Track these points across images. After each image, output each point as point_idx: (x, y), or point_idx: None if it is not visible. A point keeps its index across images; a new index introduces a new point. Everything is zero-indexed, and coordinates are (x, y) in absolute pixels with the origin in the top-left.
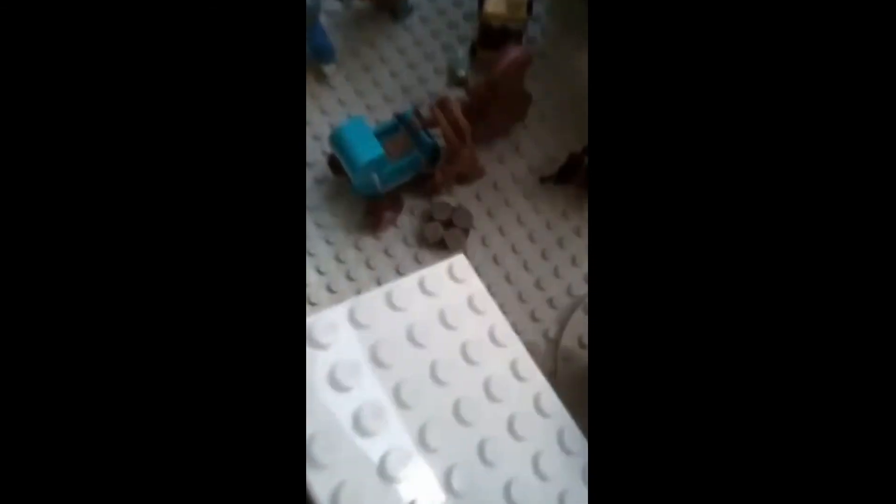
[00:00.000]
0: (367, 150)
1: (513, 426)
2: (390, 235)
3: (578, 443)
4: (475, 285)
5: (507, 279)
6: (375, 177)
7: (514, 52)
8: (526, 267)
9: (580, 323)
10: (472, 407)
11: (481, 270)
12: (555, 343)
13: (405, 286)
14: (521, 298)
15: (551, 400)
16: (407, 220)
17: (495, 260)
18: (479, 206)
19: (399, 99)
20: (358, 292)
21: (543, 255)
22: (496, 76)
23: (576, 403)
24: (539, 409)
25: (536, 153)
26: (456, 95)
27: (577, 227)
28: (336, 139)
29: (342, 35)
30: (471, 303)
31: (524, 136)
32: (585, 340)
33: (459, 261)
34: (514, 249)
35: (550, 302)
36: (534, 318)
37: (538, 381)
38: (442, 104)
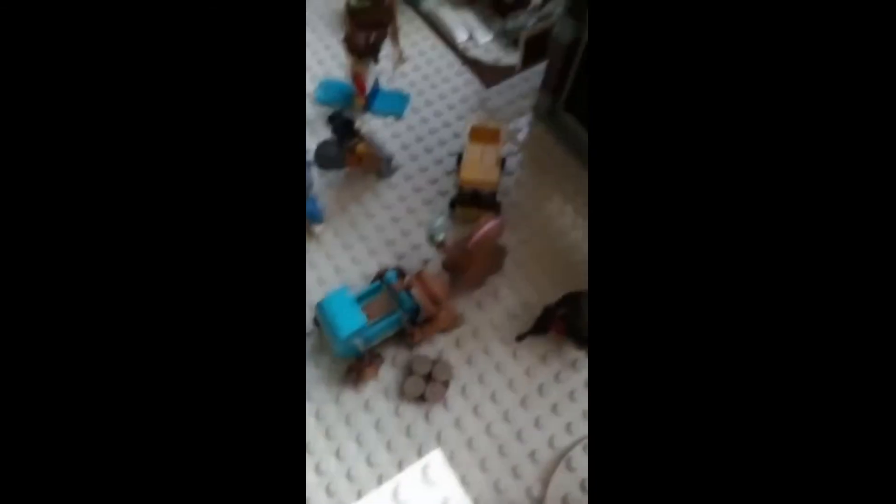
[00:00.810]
0: (350, 322)
1: None
2: (370, 388)
3: None
4: (450, 488)
5: (488, 432)
6: (359, 342)
7: (487, 226)
8: (506, 418)
9: (565, 481)
10: None
11: (461, 423)
12: None
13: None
14: (501, 452)
15: None
16: (387, 371)
17: (475, 412)
18: (458, 354)
19: (383, 251)
20: (336, 452)
21: (523, 404)
22: (470, 247)
23: None
24: None
25: (514, 299)
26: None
27: (557, 373)
28: (319, 311)
29: (332, 194)
30: None
31: (501, 283)
32: (570, 500)
33: (435, 458)
34: (493, 399)
35: (532, 456)
36: (515, 475)
37: None
38: (420, 277)
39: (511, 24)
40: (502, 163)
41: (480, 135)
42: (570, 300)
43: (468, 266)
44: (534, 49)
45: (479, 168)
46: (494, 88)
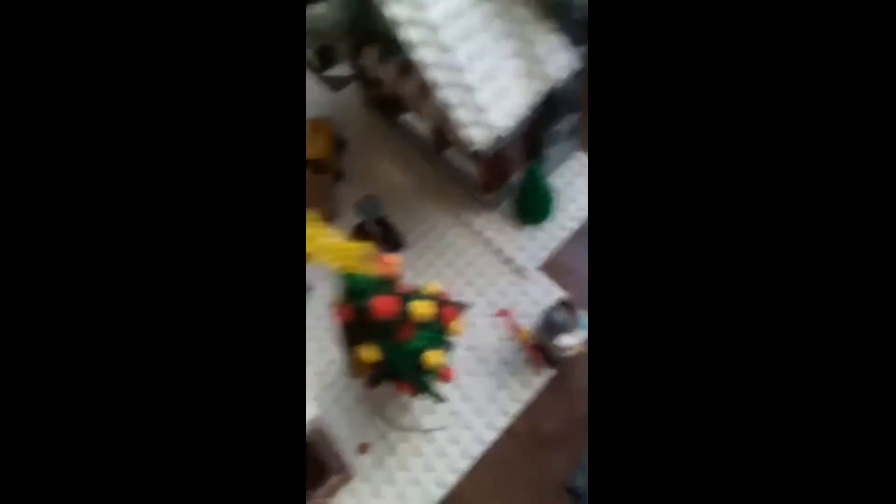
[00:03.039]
0: None
1: None
2: None
3: None
4: None
5: None
6: None
7: None
8: None
9: None
10: None
11: None
12: None
13: None
14: None
15: None
16: None
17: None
18: (314, 272)
19: None
20: None
21: None
22: None
23: None
24: None
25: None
26: None
27: None
28: None
29: None
30: None
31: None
32: None
33: None
34: None
35: None
36: None
37: None
38: None
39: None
40: (342, 143)
41: (314, 126)
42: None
43: None
44: (326, 57)
45: (310, 148)
46: (341, 92)
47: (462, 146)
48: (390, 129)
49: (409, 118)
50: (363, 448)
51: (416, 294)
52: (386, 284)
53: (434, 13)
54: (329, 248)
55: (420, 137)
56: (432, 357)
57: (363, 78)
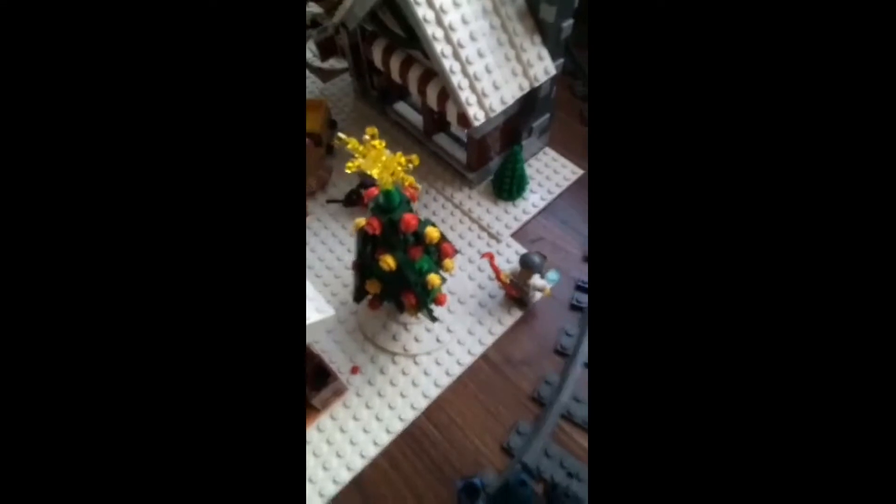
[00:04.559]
0: None
1: None
2: None
3: None
4: None
5: (328, 269)
6: None
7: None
8: (339, 259)
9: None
10: None
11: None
12: None
13: None
14: (335, 276)
15: None
16: None
17: (320, 259)
18: (308, 230)
19: None
20: None
21: (350, 251)
22: None
23: None
24: None
25: (342, 189)
26: None
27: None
28: None
29: None
30: None
31: (333, 182)
32: None
33: None
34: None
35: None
36: (344, 286)
37: None
38: None
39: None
40: (334, 123)
41: (310, 105)
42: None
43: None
44: (326, 50)
45: (311, 122)
46: (331, 82)
47: (463, 123)
48: (379, 116)
49: (399, 107)
50: (354, 370)
51: (428, 222)
52: (409, 204)
53: (452, 17)
54: (385, 163)
55: (410, 123)
56: (435, 279)
57: (361, 69)
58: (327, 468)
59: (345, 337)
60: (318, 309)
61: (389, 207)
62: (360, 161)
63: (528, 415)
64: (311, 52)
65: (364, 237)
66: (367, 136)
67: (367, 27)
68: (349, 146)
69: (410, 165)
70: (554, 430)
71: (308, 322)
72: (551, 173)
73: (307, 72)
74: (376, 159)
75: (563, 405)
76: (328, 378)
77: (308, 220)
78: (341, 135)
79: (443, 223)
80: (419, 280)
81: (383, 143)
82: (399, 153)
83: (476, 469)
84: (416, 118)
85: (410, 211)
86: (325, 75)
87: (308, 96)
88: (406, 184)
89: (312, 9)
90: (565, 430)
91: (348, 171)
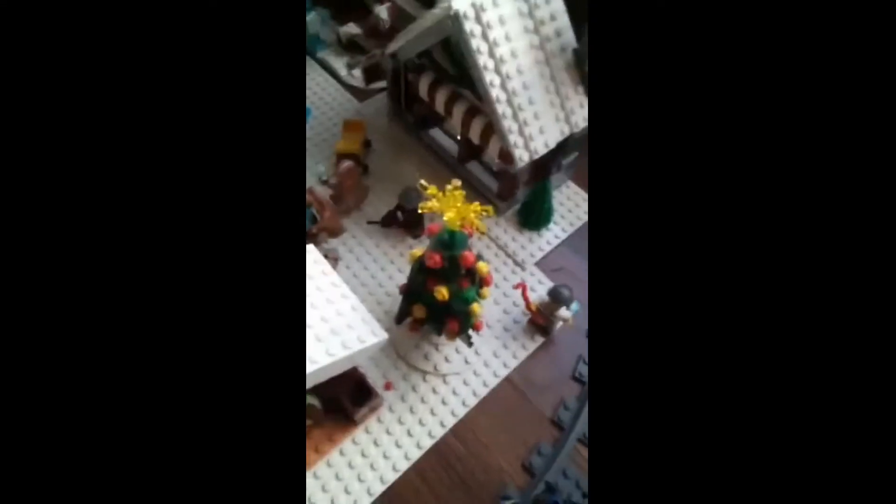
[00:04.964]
0: None
1: None
2: None
3: None
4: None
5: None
6: None
7: (343, 166)
8: (373, 275)
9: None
10: None
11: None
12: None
13: None
14: (370, 293)
15: None
16: None
17: (355, 275)
18: (343, 247)
19: None
20: None
21: (383, 269)
22: (338, 179)
23: None
24: None
25: (375, 213)
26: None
27: (401, 252)
28: None
29: None
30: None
31: (368, 206)
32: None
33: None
34: (364, 266)
35: (387, 293)
36: (378, 303)
37: None
38: (311, 192)
39: (357, 62)
40: (369, 143)
41: (350, 126)
42: (402, 197)
43: (342, 193)
44: (372, 75)
45: (346, 143)
46: (366, 102)
47: (505, 159)
48: (411, 139)
49: (433, 133)
50: (387, 386)
51: (479, 258)
52: (467, 243)
53: (509, 67)
54: (460, 209)
55: (443, 149)
56: (477, 308)
57: (399, 94)
58: (363, 480)
59: (378, 353)
60: (373, 332)
61: (452, 245)
62: (434, 203)
63: (549, 436)
64: (347, 70)
65: (420, 267)
66: (449, 187)
67: (416, 59)
68: (428, 191)
69: (485, 214)
70: (571, 453)
71: (365, 345)
72: (573, 206)
73: (344, 90)
74: (452, 204)
75: (580, 430)
76: (371, 395)
77: (343, 237)
78: (423, 181)
79: (471, 248)
80: (464, 309)
81: (463, 194)
82: (476, 203)
83: (500, 486)
84: (450, 144)
85: (469, 249)
86: (361, 94)
87: (345, 115)
88: (474, 228)
89: (350, 29)
90: (582, 453)
91: (420, 212)
